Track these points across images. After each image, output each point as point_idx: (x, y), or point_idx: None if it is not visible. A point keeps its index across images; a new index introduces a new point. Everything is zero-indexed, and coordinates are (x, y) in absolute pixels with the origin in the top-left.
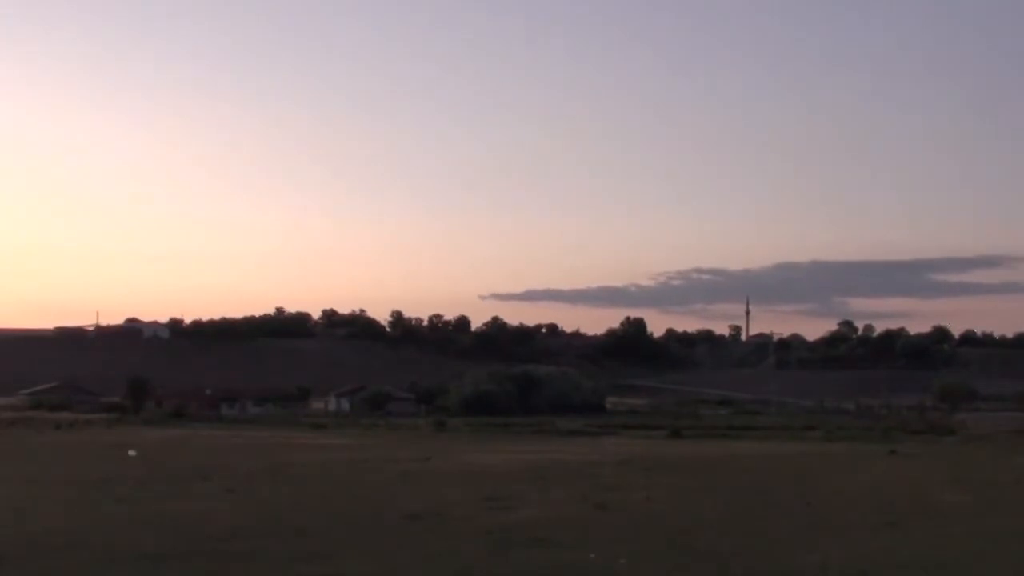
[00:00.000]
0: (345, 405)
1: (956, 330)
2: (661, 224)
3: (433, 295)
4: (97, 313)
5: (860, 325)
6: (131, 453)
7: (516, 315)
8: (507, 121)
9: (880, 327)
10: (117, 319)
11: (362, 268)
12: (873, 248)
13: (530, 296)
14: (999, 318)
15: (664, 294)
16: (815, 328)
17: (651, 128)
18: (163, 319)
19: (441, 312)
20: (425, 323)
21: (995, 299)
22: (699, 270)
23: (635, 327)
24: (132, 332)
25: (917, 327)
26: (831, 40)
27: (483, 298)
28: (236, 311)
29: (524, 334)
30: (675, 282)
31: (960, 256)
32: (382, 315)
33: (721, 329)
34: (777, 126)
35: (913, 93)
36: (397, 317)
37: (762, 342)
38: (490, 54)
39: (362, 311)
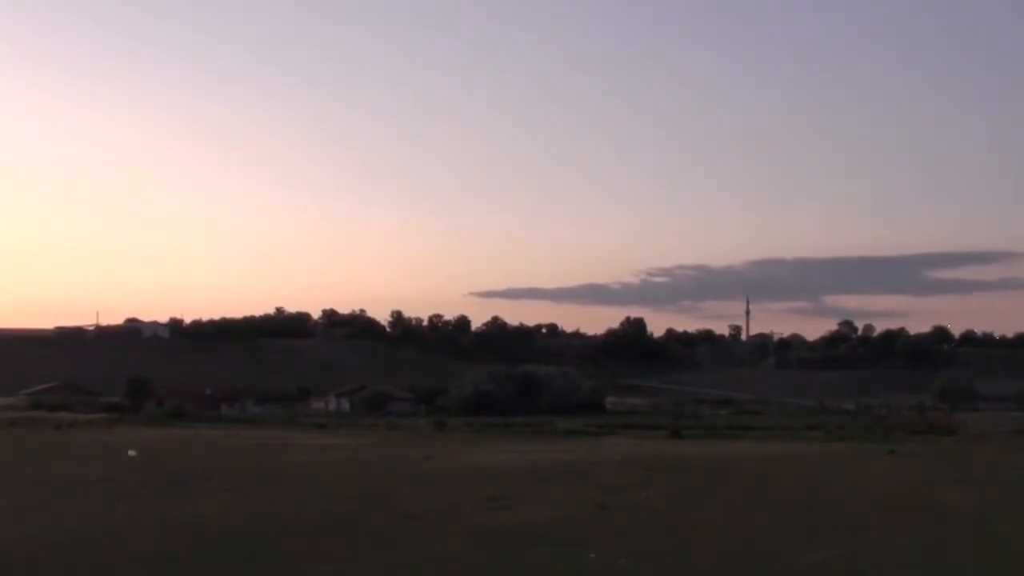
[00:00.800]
0: (345, 405)
1: (948, 326)
2: (642, 221)
3: (417, 293)
4: (97, 313)
5: (847, 322)
6: (131, 453)
7: (498, 313)
8: (496, 123)
9: (865, 323)
10: (117, 319)
11: (362, 268)
12: (857, 244)
13: (513, 294)
14: (992, 316)
15: (648, 291)
16: (802, 325)
17: (633, 125)
18: (163, 319)
19: (423, 309)
20: (425, 323)
21: (990, 296)
22: (682, 267)
23: (635, 327)
24: (132, 332)
25: (904, 324)
26: (818, 35)
27: (466, 296)
28: (236, 311)
29: (524, 334)
30: (658, 279)
31: (948, 252)
32: (382, 315)
33: (721, 329)
34: (759, 121)
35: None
36: (397, 317)
37: (762, 342)
38: (479, 58)
39: (362, 311)
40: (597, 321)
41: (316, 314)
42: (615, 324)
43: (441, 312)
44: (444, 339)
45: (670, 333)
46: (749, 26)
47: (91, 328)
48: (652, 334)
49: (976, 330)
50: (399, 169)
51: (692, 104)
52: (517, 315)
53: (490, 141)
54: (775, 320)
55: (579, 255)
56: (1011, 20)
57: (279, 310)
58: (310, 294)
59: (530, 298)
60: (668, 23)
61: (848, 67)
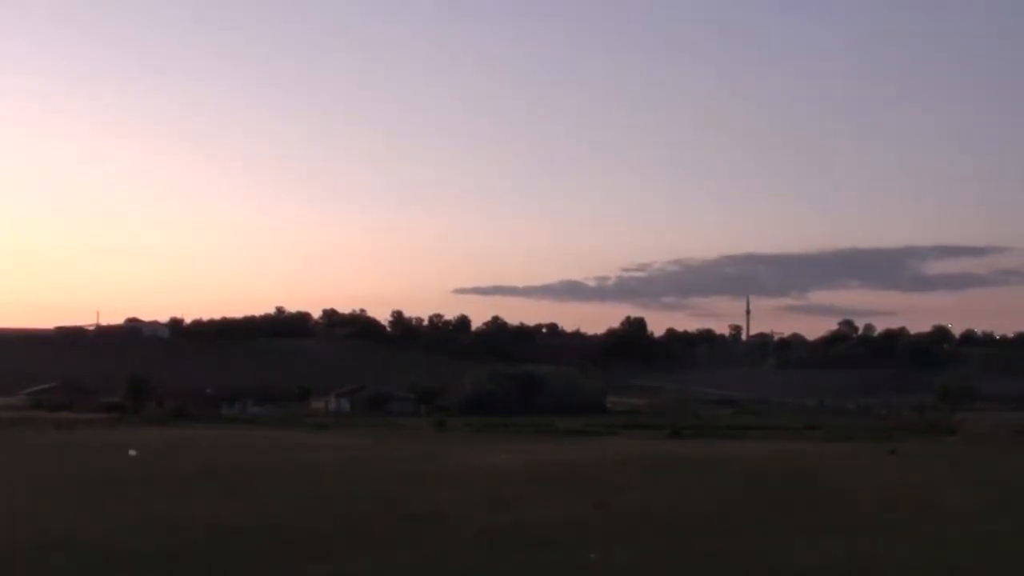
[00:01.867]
0: (345, 405)
1: (948, 326)
2: (616, 218)
3: (401, 293)
4: (97, 313)
5: (847, 321)
6: (131, 453)
7: (476, 309)
8: (481, 124)
9: (865, 323)
10: (117, 319)
11: (362, 268)
12: (836, 239)
13: (496, 291)
14: (982, 312)
15: (624, 287)
16: (792, 321)
17: (611, 123)
18: (163, 319)
19: (406, 308)
20: (425, 323)
21: (981, 292)
22: (657, 263)
23: (635, 327)
24: (132, 332)
25: (892, 319)
26: (800, 29)
27: (447, 293)
28: (236, 311)
29: (524, 334)
30: (633, 274)
31: (934, 246)
32: (382, 315)
33: (721, 328)
34: (735, 116)
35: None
36: (397, 317)
37: (762, 342)
38: (462, 63)
39: (362, 311)
40: (578, 318)
41: (316, 314)
42: (597, 321)
43: (416, 308)
44: (444, 339)
45: (670, 333)
46: (727, 25)
47: (91, 328)
48: (652, 334)
49: (976, 330)
50: (391, 170)
51: (668, 101)
52: (497, 312)
53: (472, 141)
54: (762, 317)
55: (555, 252)
56: (1003, 14)
57: (279, 310)
58: (310, 294)
59: (512, 295)
60: (646, 23)
61: (832, 61)
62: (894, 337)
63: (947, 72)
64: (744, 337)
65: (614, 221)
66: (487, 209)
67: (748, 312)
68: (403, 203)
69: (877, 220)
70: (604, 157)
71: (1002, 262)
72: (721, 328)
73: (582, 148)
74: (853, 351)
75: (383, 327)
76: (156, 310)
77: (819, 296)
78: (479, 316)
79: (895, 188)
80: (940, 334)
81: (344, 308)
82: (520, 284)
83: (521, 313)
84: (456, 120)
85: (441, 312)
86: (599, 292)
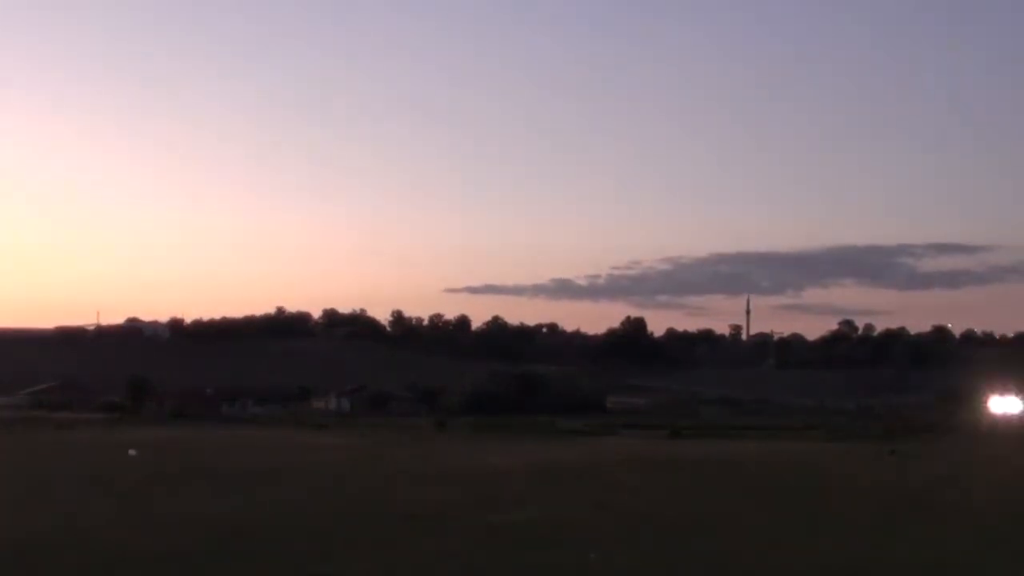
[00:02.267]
0: (346, 405)
1: (948, 325)
2: (604, 216)
3: (394, 292)
4: (97, 313)
5: (848, 321)
6: (131, 453)
7: (468, 308)
8: (471, 126)
9: (845, 316)
10: (117, 319)
11: (362, 268)
12: (829, 237)
13: (488, 290)
14: (978, 311)
15: (619, 286)
16: (785, 321)
17: (601, 121)
18: (163, 319)
19: (401, 307)
20: (426, 323)
21: (977, 291)
22: (646, 261)
23: (635, 326)
24: (132, 332)
25: (887, 317)
26: (791, 27)
27: (440, 293)
28: (236, 311)
29: (524, 333)
30: (622, 272)
31: (928, 243)
32: (382, 315)
33: (721, 328)
34: (726, 113)
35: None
36: (397, 317)
37: (762, 341)
38: (443, 67)
39: (362, 311)
40: (572, 316)
41: (316, 314)
42: (591, 320)
43: (407, 308)
44: (444, 339)
45: (670, 333)
46: (719, 23)
47: (91, 328)
48: (652, 334)
49: (976, 329)
50: (390, 170)
51: (654, 101)
52: (489, 311)
53: (468, 141)
54: (758, 315)
55: (545, 251)
56: (997, 13)
57: (279, 310)
58: (310, 294)
59: (504, 294)
60: (638, 23)
61: (825, 59)
62: (894, 337)
63: (942, 70)
64: (744, 337)
65: (604, 219)
66: (477, 209)
67: (748, 312)
68: (398, 203)
69: (871, 218)
70: (596, 155)
71: (994, 260)
72: (721, 328)
73: (572, 147)
74: (853, 351)
75: (383, 327)
76: (156, 310)
77: (814, 294)
78: (473, 315)
79: (888, 185)
80: (940, 334)
81: (344, 308)
82: (511, 283)
83: (514, 312)
84: (452, 120)
85: (435, 311)
86: (591, 291)
